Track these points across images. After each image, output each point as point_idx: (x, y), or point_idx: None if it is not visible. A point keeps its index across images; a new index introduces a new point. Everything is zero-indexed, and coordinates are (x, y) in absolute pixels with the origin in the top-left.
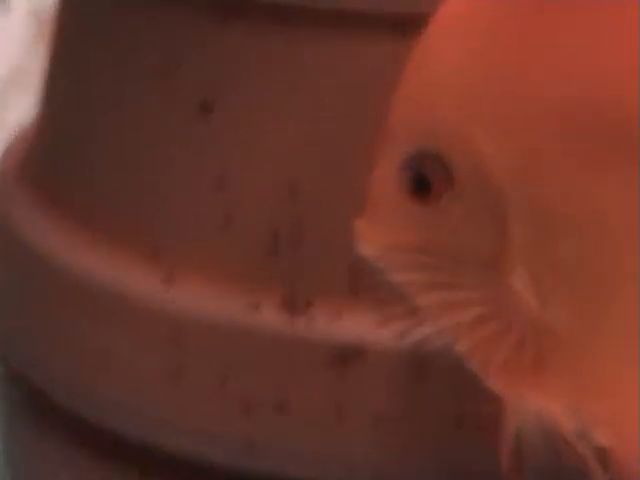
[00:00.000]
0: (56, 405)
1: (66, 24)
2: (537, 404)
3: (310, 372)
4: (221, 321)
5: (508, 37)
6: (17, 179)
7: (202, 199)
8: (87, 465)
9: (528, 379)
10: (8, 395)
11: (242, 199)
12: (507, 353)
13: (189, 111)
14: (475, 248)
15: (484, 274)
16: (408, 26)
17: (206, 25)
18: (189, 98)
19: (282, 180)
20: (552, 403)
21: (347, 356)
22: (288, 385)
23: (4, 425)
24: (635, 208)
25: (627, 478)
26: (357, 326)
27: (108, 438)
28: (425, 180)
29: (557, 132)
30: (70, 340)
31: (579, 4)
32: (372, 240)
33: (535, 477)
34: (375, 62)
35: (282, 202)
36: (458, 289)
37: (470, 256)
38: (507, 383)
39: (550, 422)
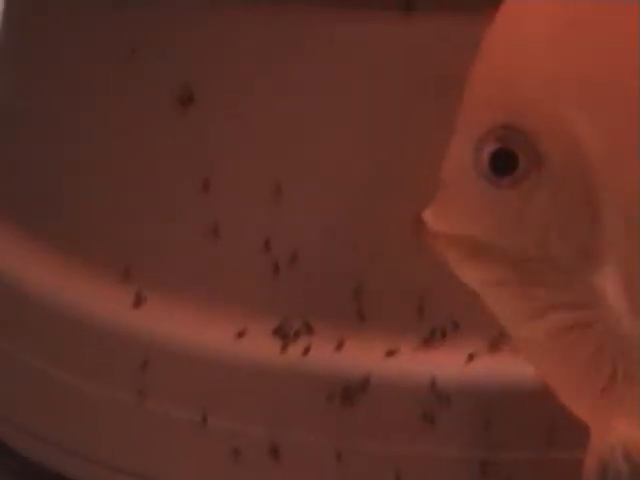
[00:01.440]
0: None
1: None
2: (626, 434)
3: (307, 411)
4: (199, 348)
5: (605, 9)
6: None
7: (183, 206)
8: None
9: (616, 403)
10: None
11: (229, 206)
12: (594, 371)
13: (165, 103)
14: (562, 240)
15: (571, 272)
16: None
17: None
18: (166, 87)
19: (269, 181)
20: None
21: (351, 392)
22: (282, 425)
23: None
24: None
25: None
26: (363, 357)
27: None
28: (510, 156)
29: None
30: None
31: None
32: (442, 229)
33: None
34: (378, 48)
35: (274, 210)
36: (539, 289)
37: (556, 249)
38: (593, 408)
39: None
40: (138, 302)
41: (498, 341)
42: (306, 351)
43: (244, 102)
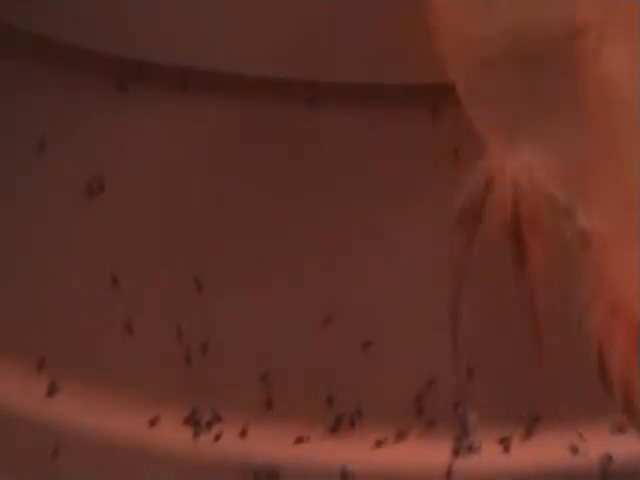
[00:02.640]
0: None
1: None
2: (524, 163)
3: None
4: (112, 437)
5: None
6: None
7: (92, 300)
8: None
9: (531, 129)
10: None
11: (139, 298)
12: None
13: (74, 193)
14: None
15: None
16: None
17: (97, 90)
18: (74, 177)
19: (187, 274)
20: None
21: None
22: None
23: None
24: None
25: (603, 264)
26: (272, 445)
27: None
28: None
29: None
30: None
31: None
32: None
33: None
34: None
35: (187, 300)
36: None
37: None
38: (506, 133)
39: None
40: (52, 391)
41: (406, 430)
42: (216, 439)
43: (151, 191)
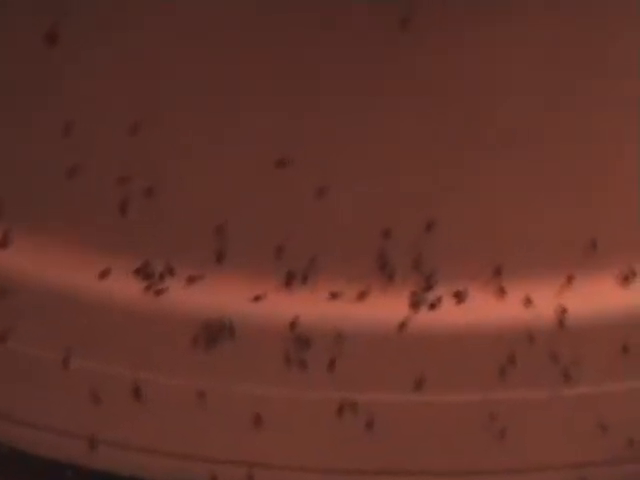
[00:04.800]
0: None
1: None
2: None
3: (169, 352)
4: (62, 289)
5: None
6: None
7: (44, 146)
8: None
9: None
10: None
11: (89, 147)
12: None
13: (31, 41)
14: None
15: None
16: None
17: None
18: (31, 25)
19: (127, 122)
20: None
21: (213, 334)
22: (143, 366)
23: None
24: None
25: None
26: (225, 298)
27: None
28: None
29: None
30: None
31: None
32: None
33: None
34: None
35: (133, 150)
36: None
37: None
38: None
39: None
40: (4, 242)
41: (365, 286)
42: (167, 291)
43: (105, 42)
